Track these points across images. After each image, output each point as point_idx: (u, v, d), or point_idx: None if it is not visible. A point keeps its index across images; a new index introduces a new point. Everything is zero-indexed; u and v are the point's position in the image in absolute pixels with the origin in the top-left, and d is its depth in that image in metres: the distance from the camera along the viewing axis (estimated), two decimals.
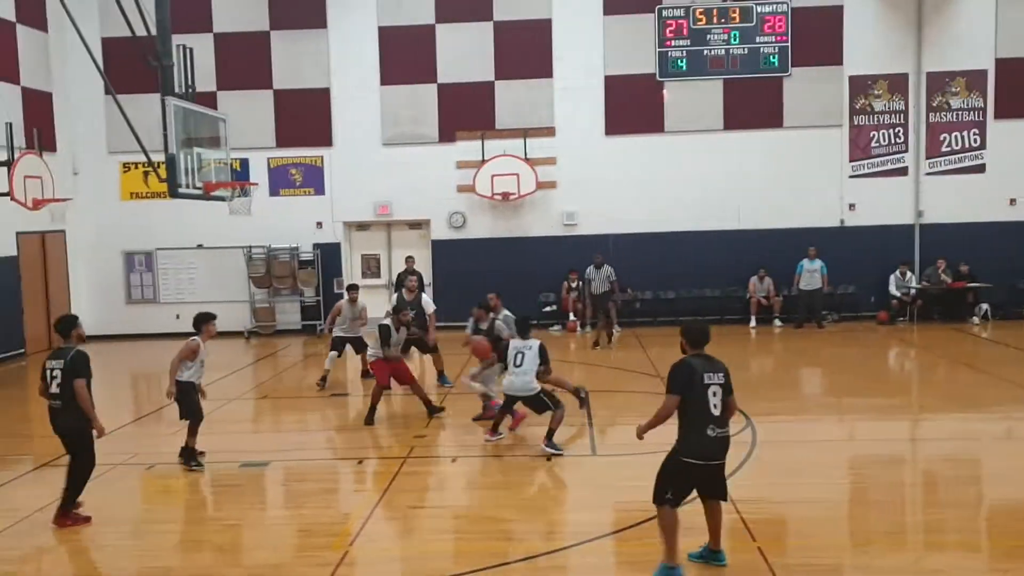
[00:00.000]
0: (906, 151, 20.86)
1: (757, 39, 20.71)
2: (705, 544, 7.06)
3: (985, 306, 20.32)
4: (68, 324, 8.67)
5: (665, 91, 20.94)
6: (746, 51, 20.74)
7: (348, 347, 15.26)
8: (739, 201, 20.82)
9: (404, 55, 21.04)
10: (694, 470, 6.72)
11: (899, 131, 20.86)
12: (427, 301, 14.75)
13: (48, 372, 8.40)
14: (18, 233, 18.97)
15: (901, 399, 13.72)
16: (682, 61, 20.83)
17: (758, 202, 20.74)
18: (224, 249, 21.24)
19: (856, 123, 20.84)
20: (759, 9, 20.62)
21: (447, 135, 21.14)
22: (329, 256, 21.49)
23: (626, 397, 13.50)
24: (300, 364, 18.07)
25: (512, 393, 10.72)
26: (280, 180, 21.50)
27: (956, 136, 20.73)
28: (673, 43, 20.79)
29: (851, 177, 20.90)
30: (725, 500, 6.99)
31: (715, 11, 20.69)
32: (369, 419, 12.10)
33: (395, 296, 13.75)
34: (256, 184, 18.69)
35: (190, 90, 14.51)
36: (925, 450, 11.04)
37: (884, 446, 10.79)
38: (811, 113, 20.73)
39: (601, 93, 20.99)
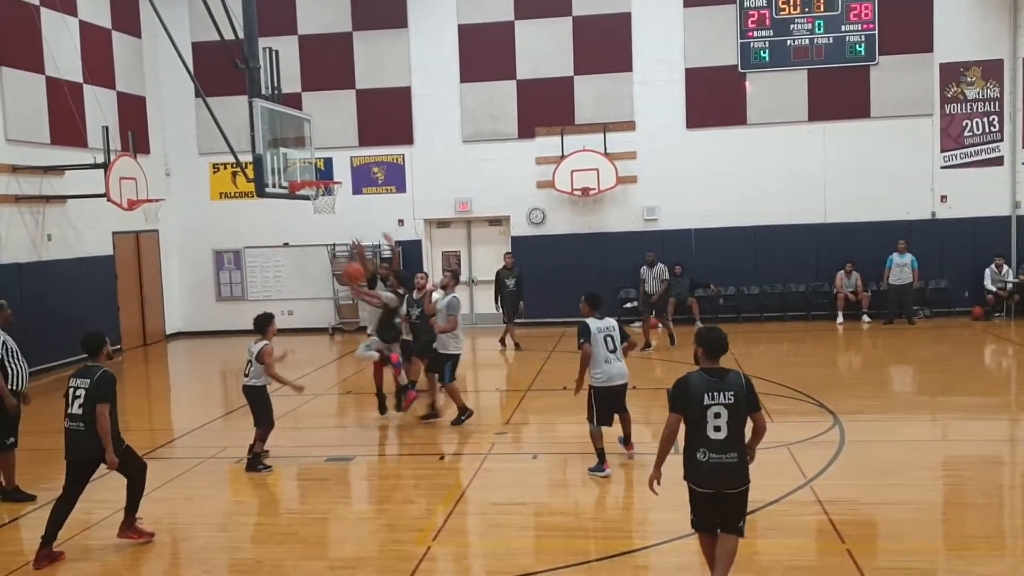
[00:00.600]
0: (1001, 140, 20.14)
1: (843, 28, 20.22)
2: None
3: None
4: (97, 343, 8.03)
5: (747, 83, 20.60)
6: (831, 40, 20.27)
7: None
8: (825, 194, 20.38)
9: (483, 52, 21.13)
10: (699, 496, 6.21)
11: (994, 119, 20.14)
12: (441, 302, 12.37)
13: (71, 391, 7.79)
14: (114, 233, 19.63)
15: (998, 398, 13.24)
16: (764, 52, 20.46)
17: (844, 195, 20.26)
18: (309, 247, 21.65)
19: (948, 112, 20.19)
20: None
21: (526, 131, 21.16)
22: (410, 253, 21.71)
23: None
24: None
25: (611, 384, 9.46)
26: (363, 179, 21.81)
27: None
28: (755, 34, 20.43)
29: (943, 168, 20.26)
30: (735, 534, 6.26)
31: (799, 0, 20.27)
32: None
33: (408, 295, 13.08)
34: (340, 183, 19.00)
35: (276, 92, 14.84)
36: None
37: (980, 447, 10.44)
38: (900, 102, 20.15)
39: (682, 86, 20.76)
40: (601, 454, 9.43)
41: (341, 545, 7.96)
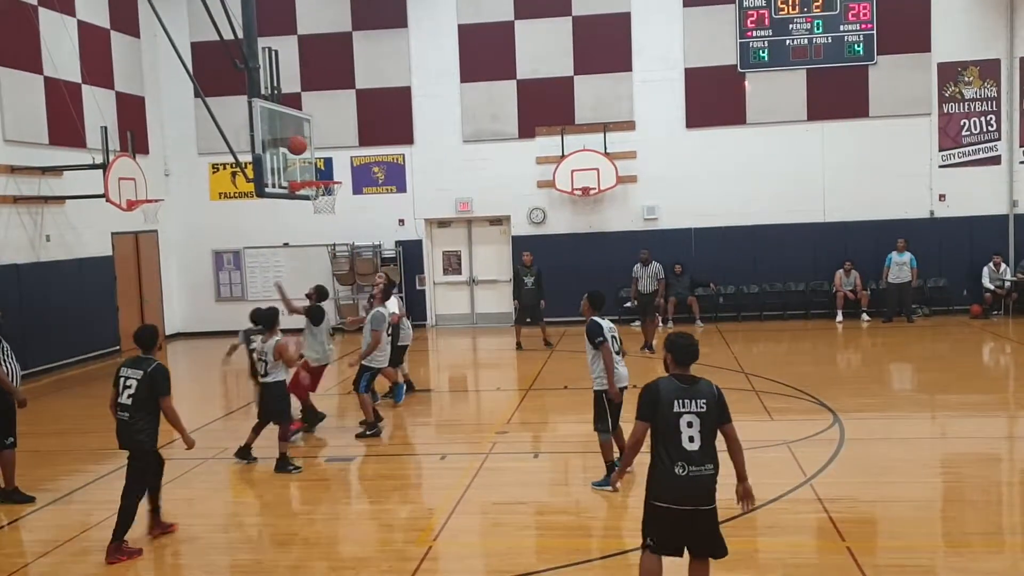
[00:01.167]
0: (999, 139, 20.17)
1: (841, 28, 20.24)
2: None
3: None
4: (152, 336, 8.10)
5: (747, 82, 20.62)
6: (830, 40, 20.29)
7: None
8: (824, 193, 20.42)
9: (483, 52, 21.14)
10: (666, 515, 5.69)
11: (991, 119, 20.17)
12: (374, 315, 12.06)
13: (122, 380, 7.88)
14: (113, 233, 19.62)
15: (996, 395, 13.28)
16: (764, 52, 20.48)
17: (843, 194, 20.29)
18: (309, 247, 21.65)
19: (945, 111, 20.21)
20: None
21: (526, 131, 21.17)
22: (411, 253, 21.72)
23: None
24: None
25: (620, 386, 9.11)
26: (363, 178, 21.81)
27: None
28: (754, 34, 20.45)
29: (941, 167, 20.29)
30: (717, 557, 5.83)
31: (797, 0, 20.29)
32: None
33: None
34: (340, 183, 19.00)
35: (275, 92, 14.84)
36: (1023, 448, 10.66)
37: (979, 444, 10.45)
38: (898, 102, 20.18)
39: (681, 86, 20.78)
40: (611, 468, 8.96)
41: (342, 545, 7.97)
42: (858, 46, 20.24)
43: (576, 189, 20.56)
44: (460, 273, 22.19)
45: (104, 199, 16.93)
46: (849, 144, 20.29)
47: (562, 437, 11.47)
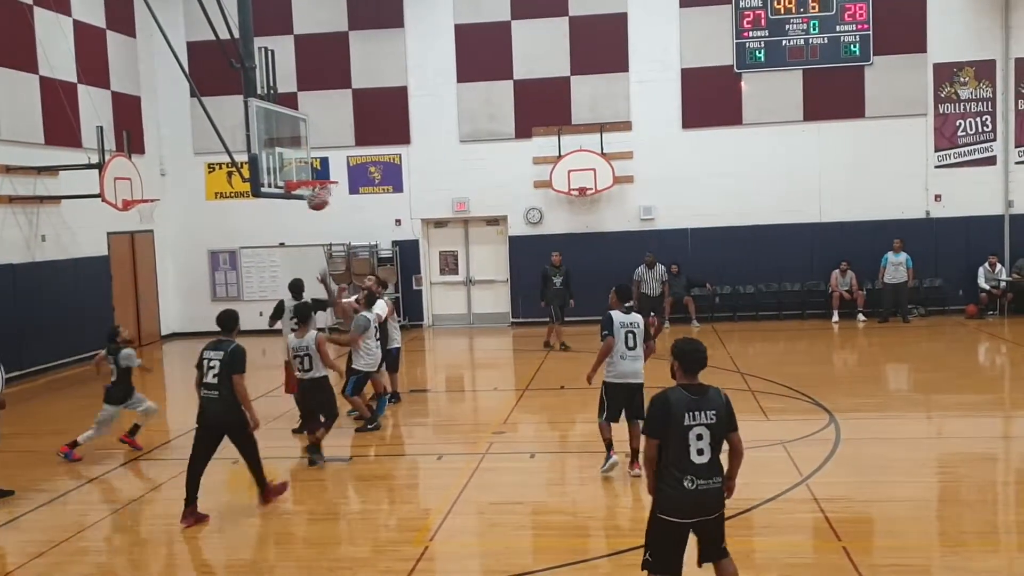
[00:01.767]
0: (994, 140, 20.21)
1: (837, 28, 20.26)
2: None
3: None
4: (232, 320, 8.93)
5: (743, 83, 20.64)
6: (826, 40, 20.32)
7: None
8: (820, 193, 20.43)
9: (480, 52, 21.13)
10: (672, 529, 5.59)
11: (987, 119, 20.21)
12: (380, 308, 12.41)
13: (205, 362, 8.61)
14: (109, 233, 19.59)
15: (992, 395, 13.30)
16: (760, 52, 20.50)
17: (839, 194, 20.31)
18: (305, 247, 21.62)
19: (941, 112, 20.25)
20: None
21: (523, 131, 21.17)
22: (408, 253, 21.71)
23: None
24: None
25: (623, 381, 9.23)
26: (359, 178, 21.80)
27: None
28: (751, 34, 20.47)
29: (937, 167, 20.32)
30: (726, 556, 5.90)
31: (794, 0, 20.31)
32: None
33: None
34: (336, 183, 18.98)
35: (272, 91, 14.81)
36: (1018, 448, 10.68)
37: (974, 444, 10.47)
38: (894, 102, 20.20)
39: (678, 86, 20.79)
40: (608, 444, 9.28)
41: (339, 545, 7.96)
42: (854, 46, 20.26)
43: (573, 189, 20.56)
44: (457, 273, 22.18)
45: (100, 199, 16.89)
46: (845, 144, 20.31)
47: (559, 437, 11.48)
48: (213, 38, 14.43)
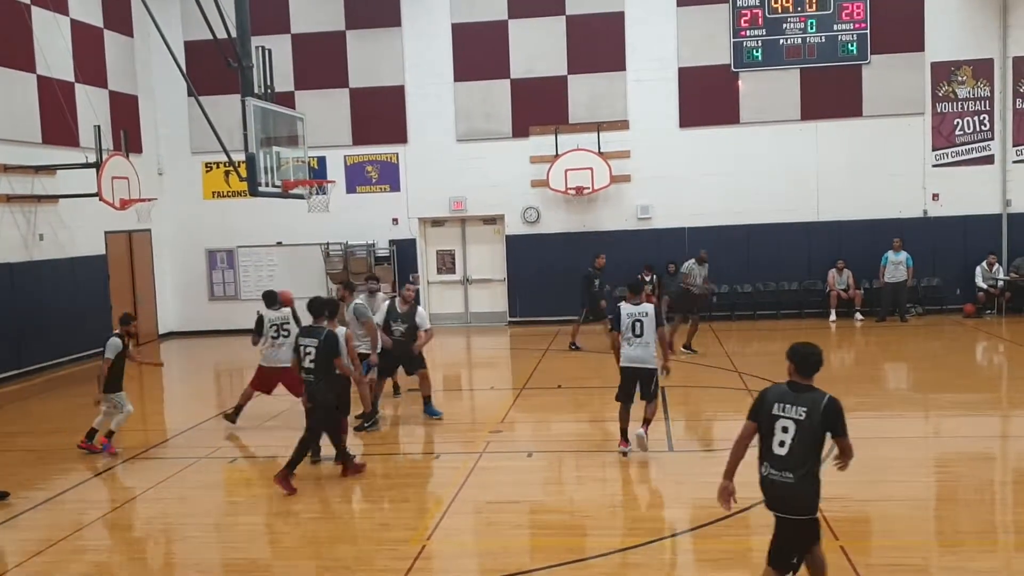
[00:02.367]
0: (992, 139, 20.22)
1: (835, 27, 20.27)
2: None
3: None
4: (323, 306, 9.44)
5: (740, 82, 20.64)
6: (823, 39, 20.32)
7: None
8: (817, 192, 20.44)
9: (477, 51, 21.12)
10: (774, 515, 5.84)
11: (984, 118, 20.23)
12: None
13: (301, 349, 9.26)
14: (106, 232, 19.56)
15: (990, 395, 13.31)
16: (757, 51, 20.51)
17: (837, 193, 20.32)
18: (302, 246, 21.61)
19: (939, 111, 20.26)
20: None
21: (520, 130, 21.16)
22: (405, 252, 21.70)
23: (702, 392, 13.37)
24: None
25: (630, 365, 9.83)
26: (356, 177, 21.78)
27: None
28: (748, 33, 20.47)
29: (934, 166, 20.34)
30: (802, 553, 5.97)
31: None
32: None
33: (387, 303, 12.38)
34: (333, 182, 18.97)
35: (269, 90, 14.79)
36: (1016, 447, 10.70)
37: (972, 443, 10.47)
38: (892, 101, 20.21)
39: (675, 85, 20.78)
40: (623, 433, 9.86)
41: (335, 544, 7.95)
42: (852, 45, 20.27)
43: (570, 188, 20.55)
44: (454, 272, 22.18)
45: (97, 198, 16.90)
46: (843, 143, 20.32)
47: (556, 436, 11.47)
48: (210, 37, 14.43)
